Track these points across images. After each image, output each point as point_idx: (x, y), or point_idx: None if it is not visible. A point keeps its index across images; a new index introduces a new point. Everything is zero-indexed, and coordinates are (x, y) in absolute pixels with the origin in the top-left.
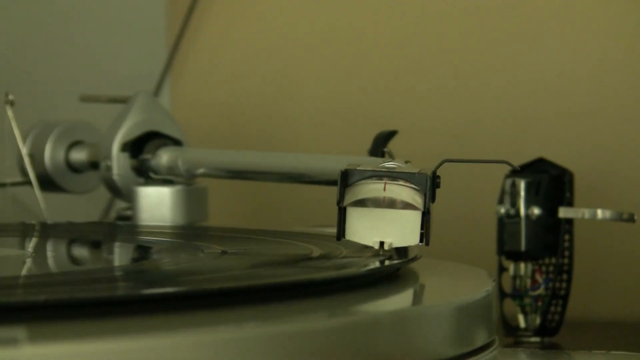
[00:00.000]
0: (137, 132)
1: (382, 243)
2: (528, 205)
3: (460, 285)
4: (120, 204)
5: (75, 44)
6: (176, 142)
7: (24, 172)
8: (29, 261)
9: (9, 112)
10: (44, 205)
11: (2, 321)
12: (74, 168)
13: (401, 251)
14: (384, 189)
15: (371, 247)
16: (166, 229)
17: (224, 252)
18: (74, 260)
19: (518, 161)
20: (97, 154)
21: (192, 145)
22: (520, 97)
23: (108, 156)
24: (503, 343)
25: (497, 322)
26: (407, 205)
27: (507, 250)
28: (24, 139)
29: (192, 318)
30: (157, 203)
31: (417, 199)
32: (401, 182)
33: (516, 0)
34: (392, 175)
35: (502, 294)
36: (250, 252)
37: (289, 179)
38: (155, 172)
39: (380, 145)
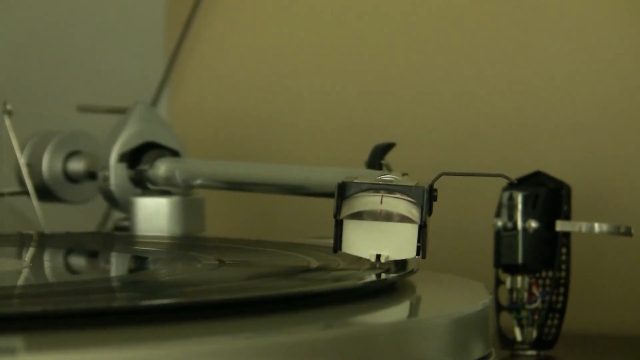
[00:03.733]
0: (135, 143)
1: (378, 256)
2: (525, 218)
3: (457, 298)
4: (117, 215)
5: (73, 53)
6: (174, 153)
7: (21, 182)
8: (26, 271)
9: (7, 122)
10: (42, 215)
11: None
12: (71, 178)
13: (399, 264)
14: (381, 202)
15: (368, 260)
16: (163, 240)
17: (221, 263)
18: (71, 271)
19: (515, 174)
20: (95, 164)
21: (191, 155)
22: (518, 109)
23: (106, 166)
24: (499, 356)
25: (494, 335)
26: (403, 219)
27: (504, 263)
28: (22, 149)
29: (189, 329)
30: (154, 214)
31: (413, 212)
32: (398, 195)
33: (514, 12)
34: (389, 188)
35: (499, 307)
36: (248, 263)
37: (287, 190)
38: (153, 183)
39: (377, 157)
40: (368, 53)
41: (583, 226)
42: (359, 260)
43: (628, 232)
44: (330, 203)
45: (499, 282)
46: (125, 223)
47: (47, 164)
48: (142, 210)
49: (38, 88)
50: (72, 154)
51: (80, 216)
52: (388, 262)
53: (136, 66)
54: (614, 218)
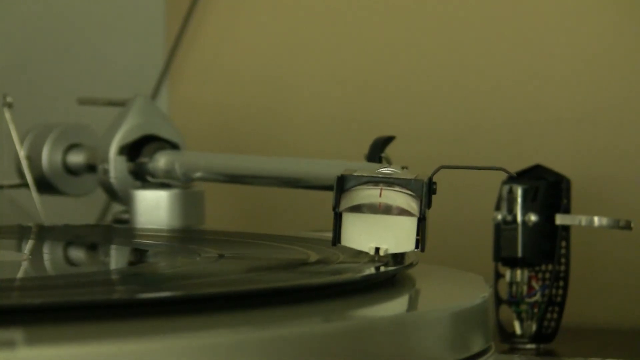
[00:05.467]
0: (135, 136)
1: (377, 249)
2: (525, 211)
3: (457, 291)
4: (117, 207)
5: (73, 46)
6: (174, 146)
7: (21, 175)
8: (25, 264)
9: (7, 115)
10: (41, 208)
11: None
12: (71, 171)
13: (398, 257)
14: (380, 195)
15: (367, 253)
16: (163, 233)
17: (220, 256)
18: (71, 263)
19: (515, 167)
20: (95, 156)
21: (190, 147)
22: (518, 103)
23: (105, 159)
24: (499, 349)
25: (493, 329)
26: (402, 212)
27: (503, 256)
28: (22, 142)
29: (188, 322)
30: (154, 206)
31: (412, 205)
32: (397, 188)
33: (514, 7)
34: (388, 181)
35: (499, 301)
36: (247, 256)
37: (286, 183)
38: (153, 176)
39: (377, 150)
40: (367, 46)
41: (583, 220)
42: (358, 253)
43: (627, 226)
44: (330, 196)
45: (498, 276)
46: (125, 216)
47: (47, 156)
48: (141, 202)
49: (38, 81)
50: (72, 147)
51: (80, 209)
52: (387, 255)
53: (136, 59)
54: (614, 212)
